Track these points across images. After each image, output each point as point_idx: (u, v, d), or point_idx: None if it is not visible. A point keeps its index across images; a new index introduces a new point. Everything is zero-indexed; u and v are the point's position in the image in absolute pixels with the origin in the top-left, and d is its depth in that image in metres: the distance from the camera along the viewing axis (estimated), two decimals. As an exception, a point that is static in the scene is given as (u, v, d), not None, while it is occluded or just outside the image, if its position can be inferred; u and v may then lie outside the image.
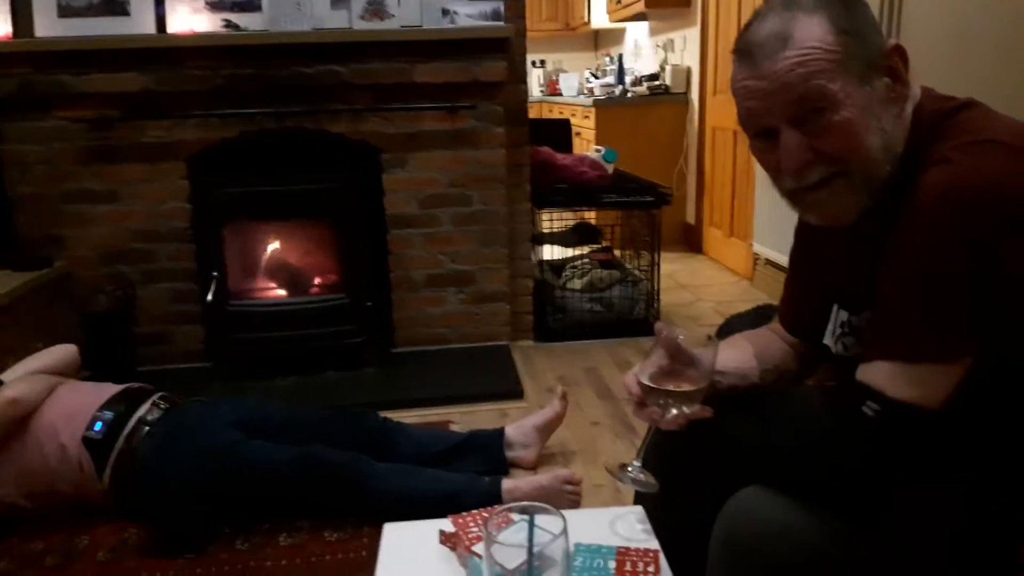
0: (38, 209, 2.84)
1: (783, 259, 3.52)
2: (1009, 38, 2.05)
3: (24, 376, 1.98)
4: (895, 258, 0.93)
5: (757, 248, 3.79)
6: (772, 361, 1.25)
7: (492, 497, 1.84)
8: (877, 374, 0.93)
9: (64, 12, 2.80)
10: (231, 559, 1.78)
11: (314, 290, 3.02)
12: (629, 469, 1.09)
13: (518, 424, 2.21)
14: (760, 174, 3.66)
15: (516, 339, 3.21)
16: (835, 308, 1.14)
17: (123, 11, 2.82)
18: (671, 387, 1.04)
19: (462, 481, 1.92)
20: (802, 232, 1.24)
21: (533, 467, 2.17)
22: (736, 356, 1.22)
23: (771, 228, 3.54)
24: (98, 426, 1.91)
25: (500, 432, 2.18)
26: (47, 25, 2.80)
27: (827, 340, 1.16)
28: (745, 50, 0.98)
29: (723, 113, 4.26)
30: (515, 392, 2.69)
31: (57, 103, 2.77)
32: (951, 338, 0.90)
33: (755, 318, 1.57)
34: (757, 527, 0.99)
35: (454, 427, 2.41)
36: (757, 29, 0.98)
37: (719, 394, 1.12)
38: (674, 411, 1.03)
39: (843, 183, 0.97)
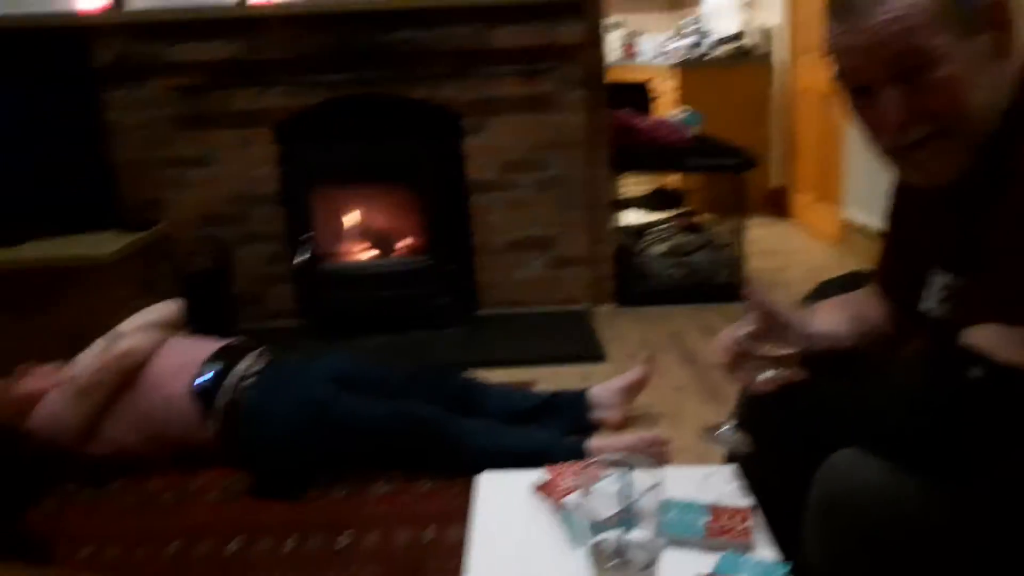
0: (139, 174, 2.99)
1: (875, 224, 3.41)
2: None
3: (137, 329, 2.10)
4: (1003, 222, 0.90)
5: (848, 213, 3.67)
6: (868, 324, 1.22)
7: (577, 456, 1.86)
8: (987, 337, 0.90)
9: (159, -17, 2.90)
10: (329, 505, 1.87)
11: (399, 252, 3.09)
12: (722, 431, 1.09)
13: (602, 386, 2.22)
14: (851, 136, 3.53)
15: (597, 304, 3.21)
16: (934, 271, 1.11)
17: (213, -19, 2.90)
18: (765, 350, 1.03)
19: (547, 439, 1.95)
20: (899, 192, 1.20)
21: (617, 429, 2.18)
22: (831, 319, 1.20)
23: (862, 192, 3.43)
24: (204, 378, 2.01)
25: (584, 393, 2.20)
26: (142, -4, 2.91)
27: (927, 304, 1.13)
28: (841, 5, 0.95)
29: (810, 74, 4.11)
30: (597, 355, 2.70)
31: (152, 72, 2.89)
32: None
33: (846, 284, 1.53)
34: (854, 489, 0.98)
35: (538, 388, 2.44)
36: None
37: (813, 357, 1.11)
38: (768, 374, 1.03)
39: (944, 142, 0.94)
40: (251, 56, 2.85)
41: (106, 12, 2.86)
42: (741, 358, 1.05)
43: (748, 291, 1.07)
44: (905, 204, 1.20)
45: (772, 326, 1.06)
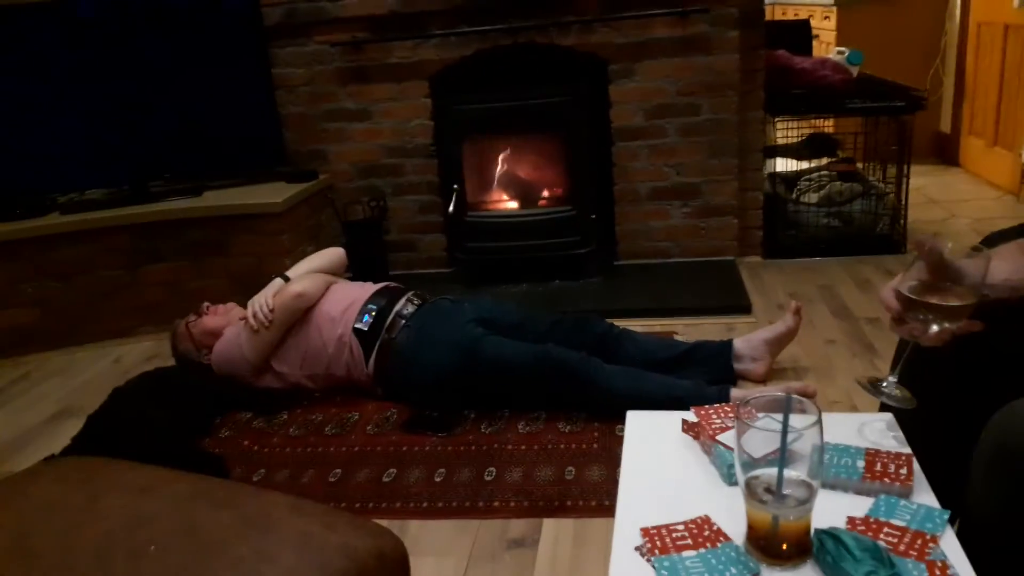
0: (303, 127, 3.17)
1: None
2: None
3: (305, 274, 2.27)
4: None
5: (1027, 158, 3.36)
6: None
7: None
8: None
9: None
10: (476, 440, 1.97)
11: (543, 202, 3.13)
12: (884, 384, 1.06)
13: (747, 337, 2.19)
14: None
15: (744, 255, 3.14)
16: None
17: (371, -63, 3.00)
18: (935, 301, 0.98)
19: (690, 387, 1.96)
20: None
21: (762, 381, 2.15)
22: (1006, 267, 1.13)
23: (1047, 135, 3.12)
24: (365, 318, 2.16)
25: (728, 344, 2.18)
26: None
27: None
28: None
29: (990, 5, 3.74)
30: (742, 307, 2.65)
31: (316, 28, 3.04)
32: None
33: (1020, 235, 1.43)
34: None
35: (679, 338, 2.43)
36: None
37: (991, 305, 1.05)
38: (937, 327, 0.97)
39: None
40: (407, 9, 2.93)
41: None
42: (910, 309, 1.00)
43: (916, 239, 1.02)
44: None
45: (943, 277, 1.01)
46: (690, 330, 2.54)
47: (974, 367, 1.04)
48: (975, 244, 1.12)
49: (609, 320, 2.31)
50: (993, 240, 1.57)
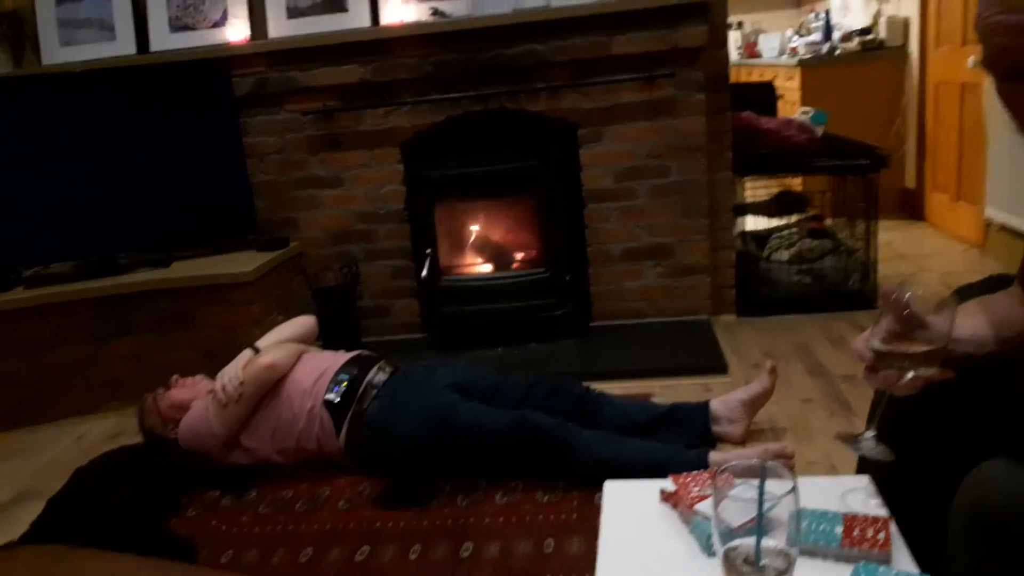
0: (275, 195, 3.17)
1: (1021, 223, 3.17)
2: None
3: (276, 344, 2.23)
4: None
5: (990, 212, 3.43)
6: (1012, 328, 1.14)
7: (700, 469, 1.82)
8: None
9: (292, 13, 3.09)
10: (452, 514, 1.91)
11: (517, 265, 3.13)
12: (862, 439, 1.05)
13: (724, 398, 2.17)
14: (994, 131, 3.30)
15: (717, 313, 3.14)
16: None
17: (341, 7, 3.06)
18: (905, 349, 0.98)
19: (669, 452, 1.92)
20: None
21: (740, 443, 2.12)
22: (971, 323, 1.13)
23: (1007, 189, 3.19)
24: (336, 389, 2.12)
25: (705, 406, 2.16)
26: (278, 26, 3.10)
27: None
28: None
29: (948, 66, 3.87)
30: (718, 366, 2.64)
31: (288, 97, 3.06)
32: None
33: (987, 290, 1.44)
34: (1005, 500, 0.92)
35: (655, 400, 2.41)
36: None
37: (954, 362, 1.05)
38: (910, 374, 0.98)
39: None
40: (379, 77, 2.97)
41: (248, 42, 3.07)
42: (882, 358, 1.00)
43: (886, 291, 1.02)
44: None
45: (911, 326, 1.01)
46: (667, 391, 2.51)
47: (946, 423, 1.03)
48: (943, 296, 1.12)
49: (586, 383, 2.29)
50: (961, 294, 1.58)
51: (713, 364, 2.66)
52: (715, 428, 2.14)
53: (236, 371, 2.15)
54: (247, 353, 2.21)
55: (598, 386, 2.33)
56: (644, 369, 2.67)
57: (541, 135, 3.02)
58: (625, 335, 3.01)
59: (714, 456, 1.91)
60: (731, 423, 2.14)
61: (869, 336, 1.03)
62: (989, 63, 0.93)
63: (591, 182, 3.04)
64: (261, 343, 2.25)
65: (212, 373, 2.25)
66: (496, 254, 3.14)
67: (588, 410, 2.15)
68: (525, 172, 2.96)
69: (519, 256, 3.15)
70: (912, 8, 4.29)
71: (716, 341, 2.86)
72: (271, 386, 2.15)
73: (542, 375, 2.32)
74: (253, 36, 3.10)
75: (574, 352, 2.89)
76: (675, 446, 1.97)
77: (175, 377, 2.35)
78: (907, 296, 1.00)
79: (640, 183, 3.02)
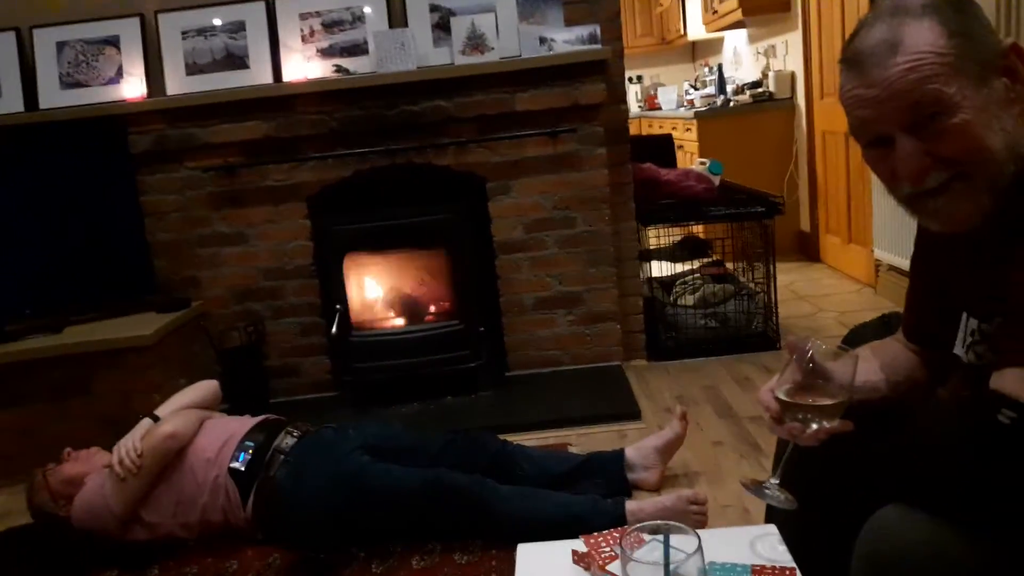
0: (175, 253, 3.06)
1: (907, 264, 3.36)
2: None
3: (177, 411, 2.13)
4: None
5: (878, 254, 3.63)
6: (901, 373, 1.21)
7: (617, 519, 1.83)
8: (1011, 381, 0.89)
9: (191, 70, 3.03)
10: (367, 582, 1.85)
11: (429, 318, 3.11)
12: (766, 486, 1.07)
13: (638, 445, 2.20)
14: (876, 179, 3.51)
15: (629, 359, 3.19)
16: (964, 315, 1.09)
17: (243, 64, 3.02)
18: (809, 402, 1.02)
19: (586, 503, 1.92)
20: (923, 238, 1.20)
21: (656, 489, 2.14)
22: (864, 369, 1.19)
23: (892, 232, 3.39)
24: (241, 457, 2.03)
25: (620, 453, 2.17)
26: (177, 83, 3.03)
27: (957, 349, 1.11)
28: (854, 59, 0.97)
29: (832, 116, 4.12)
30: (632, 413, 2.67)
31: (188, 154, 2.99)
32: None
33: (881, 327, 1.52)
34: (900, 546, 0.95)
35: (572, 449, 2.42)
36: (865, 37, 0.96)
37: (850, 410, 1.09)
38: (814, 426, 1.01)
39: (963, 187, 0.94)
40: (283, 133, 2.93)
41: (145, 99, 2.99)
42: (786, 410, 1.04)
43: (788, 341, 1.06)
44: (929, 249, 1.20)
45: (814, 376, 1.05)
46: (583, 440, 2.53)
47: (847, 470, 1.07)
48: (841, 345, 1.17)
49: (503, 435, 2.27)
50: (858, 332, 1.66)
51: (627, 411, 2.69)
52: (631, 476, 2.16)
53: (134, 442, 2.04)
54: (146, 422, 2.10)
55: (515, 438, 2.32)
56: (560, 419, 2.68)
57: (450, 188, 3.04)
58: (541, 384, 3.02)
59: (630, 505, 1.91)
60: (646, 470, 2.16)
61: (774, 386, 1.07)
62: (853, 132, 1.00)
63: (501, 233, 3.07)
64: (161, 411, 2.15)
65: (108, 445, 2.13)
66: (408, 307, 3.12)
67: (505, 464, 2.13)
68: (435, 225, 2.97)
69: (432, 309, 3.13)
70: (797, 63, 4.56)
71: (629, 387, 2.90)
72: (172, 456, 2.05)
73: (458, 430, 2.29)
74: (150, 93, 3.03)
75: (491, 404, 2.88)
76: (592, 497, 1.97)
77: (68, 450, 2.21)
78: (810, 348, 1.05)
79: (549, 234, 3.07)
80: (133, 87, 3.02)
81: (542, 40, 2.91)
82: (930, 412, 1.14)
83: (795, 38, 4.54)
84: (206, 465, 2.04)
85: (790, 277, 4.21)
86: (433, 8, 3.00)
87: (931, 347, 1.20)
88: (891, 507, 0.97)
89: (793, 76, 4.66)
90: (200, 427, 2.12)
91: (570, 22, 2.97)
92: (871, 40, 0.95)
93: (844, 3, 3.83)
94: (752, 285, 3.35)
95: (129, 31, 3.03)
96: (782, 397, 1.03)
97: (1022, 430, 0.87)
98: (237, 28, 3.01)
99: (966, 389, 1.17)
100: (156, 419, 2.10)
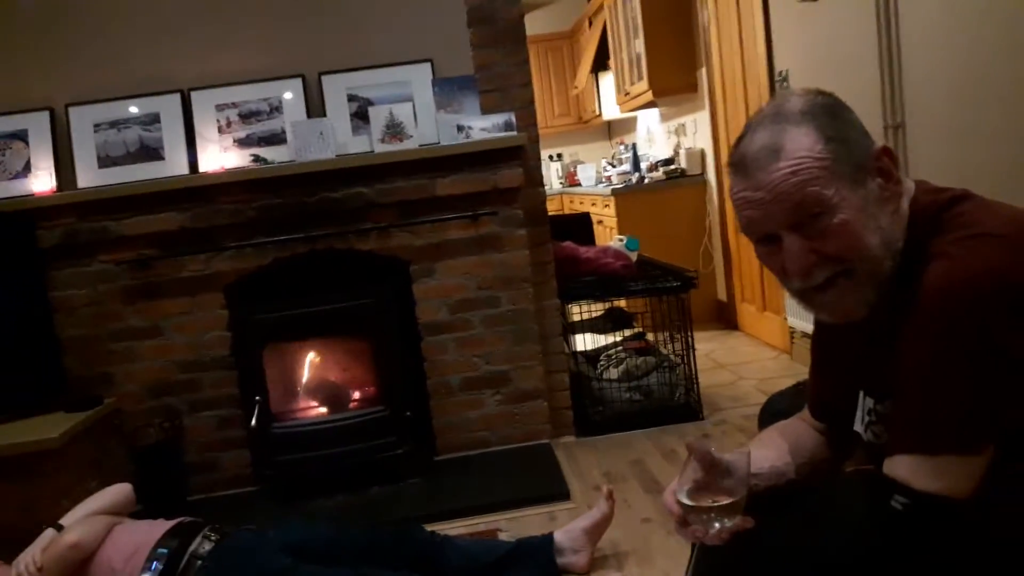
0: (86, 350, 2.95)
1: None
2: (1016, 119, 2.09)
3: (82, 519, 2.02)
4: (905, 353, 0.95)
5: (791, 321, 3.77)
6: (806, 453, 1.25)
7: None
8: (901, 467, 0.94)
9: (104, 163, 2.99)
10: None
11: (354, 405, 3.06)
12: None
13: (567, 528, 2.19)
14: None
15: (558, 436, 3.20)
16: (861, 395, 1.15)
17: (157, 156, 3.00)
18: (710, 502, 1.04)
19: (515, 593, 1.89)
20: (821, 322, 1.26)
21: (586, 572, 2.13)
22: (770, 455, 1.23)
23: (801, 301, 3.54)
24: (154, 565, 1.93)
25: (549, 538, 2.16)
26: (88, 176, 2.98)
27: (857, 426, 1.16)
28: (740, 163, 1.04)
29: (741, 190, 4.31)
30: (561, 493, 2.66)
31: (100, 248, 2.91)
32: (969, 427, 0.91)
33: (795, 395, 1.57)
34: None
35: (502, 535, 2.39)
36: (749, 142, 1.03)
37: (758, 497, 1.12)
38: (717, 526, 1.03)
39: (848, 282, 1.01)
40: (199, 224, 2.90)
41: (55, 193, 2.92)
42: (689, 512, 1.05)
43: (688, 442, 1.09)
44: (827, 333, 1.26)
45: (714, 473, 1.07)
46: (513, 524, 2.50)
47: (754, 567, 1.08)
48: (757, 413, 1.20)
49: (431, 524, 2.23)
50: (773, 401, 1.71)
51: (556, 491, 2.68)
52: (560, 560, 2.14)
53: (34, 555, 1.92)
54: (49, 533, 1.98)
55: (444, 526, 2.29)
56: (489, 503, 2.64)
57: (373, 272, 3.04)
58: (470, 468, 2.99)
59: (560, 592, 1.90)
60: (575, 553, 2.15)
61: (676, 488, 1.08)
62: (743, 231, 1.06)
63: (426, 315, 3.07)
64: (67, 519, 2.04)
65: (9, 559, 2.00)
66: (331, 396, 3.06)
67: (433, 557, 2.09)
68: (358, 310, 2.95)
69: (356, 396, 3.09)
70: (706, 141, 4.79)
71: (558, 466, 2.89)
72: (76, 568, 1.93)
73: (384, 524, 2.24)
74: (60, 187, 2.97)
75: (418, 492, 2.83)
76: (521, 586, 1.95)
77: (-37, 568, 2.06)
78: (706, 448, 1.07)
79: (474, 314, 3.09)
80: (42, 181, 2.95)
81: (460, 128, 2.99)
82: (833, 496, 1.17)
83: (703, 117, 4.78)
84: (115, 574, 1.93)
85: (710, 345, 4.32)
86: (351, 98, 3.05)
87: (833, 424, 1.25)
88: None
89: (703, 153, 4.88)
90: (108, 534, 2.01)
91: (486, 110, 3.06)
92: (755, 145, 1.02)
93: (747, 84, 4.07)
94: (673, 357, 3.42)
95: (38, 125, 2.98)
96: (684, 500, 1.05)
97: (914, 516, 0.91)
98: (152, 120, 2.99)
99: (868, 467, 1.22)
100: (60, 528, 1.99)
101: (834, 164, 0.99)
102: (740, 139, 1.07)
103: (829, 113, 1.02)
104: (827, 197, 0.98)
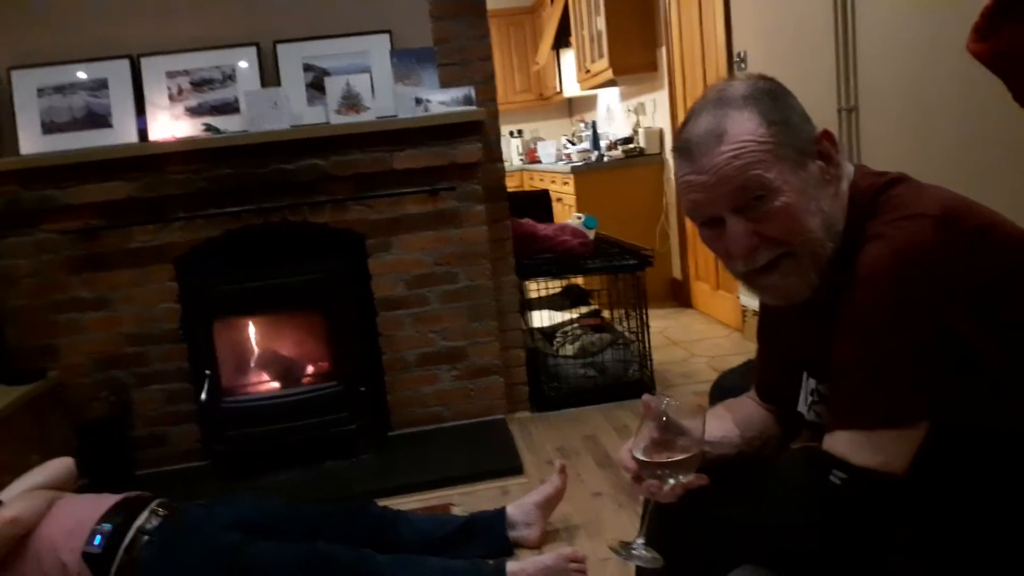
0: (29, 321, 2.87)
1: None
2: (964, 106, 2.14)
3: (22, 494, 1.97)
4: (842, 331, 0.97)
5: (744, 300, 3.83)
6: (755, 428, 1.27)
7: (499, 582, 1.83)
8: (839, 443, 0.96)
9: (48, 128, 2.89)
10: (237, 668, 1.75)
11: (307, 380, 3.03)
12: (633, 547, 1.10)
13: (519, 503, 2.20)
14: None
15: (513, 411, 3.21)
16: (804, 376, 1.17)
17: (105, 123, 2.91)
18: (664, 458, 1.05)
19: (467, 567, 1.91)
20: (766, 306, 1.28)
21: (538, 546, 2.15)
22: (720, 426, 1.25)
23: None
24: (97, 540, 1.89)
25: (501, 512, 2.17)
26: (32, 142, 2.88)
27: (801, 407, 1.19)
28: (684, 147, 1.04)
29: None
30: (515, 468, 2.68)
31: (44, 216, 2.82)
32: (904, 403, 0.93)
33: (746, 373, 1.60)
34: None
35: (455, 509, 2.40)
36: (693, 127, 1.04)
37: (709, 465, 1.14)
38: (671, 482, 1.04)
39: (791, 264, 1.02)
40: (148, 194, 2.82)
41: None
42: (644, 468, 1.07)
43: (643, 400, 1.10)
44: (771, 314, 1.28)
45: (669, 432, 1.08)
46: (467, 499, 2.51)
47: (705, 531, 1.10)
48: (695, 403, 1.23)
49: (385, 499, 2.23)
50: (725, 377, 1.74)
51: (509, 466, 2.70)
52: (512, 534, 2.16)
53: (-26, 531, 1.87)
54: (-12, 509, 1.93)
55: (397, 501, 2.29)
56: (442, 478, 2.65)
57: (327, 246, 2.99)
58: (424, 443, 2.99)
59: (512, 566, 1.91)
60: (527, 527, 2.17)
61: (632, 446, 1.10)
62: (688, 214, 1.07)
63: (382, 290, 3.05)
64: (5, 495, 1.98)
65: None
66: (283, 370, 3.03)
67: (386, 533, 2.09)
68: (311, 284, 2.91)
69: (309, 370, 3.06)
70: (664, 120, 4.81)
71: (512, 441, 2.91)
72: (16, 542, 1.88)
73: (336, 500, 2.23)
74: (2, 153, 2.86)
75: (371, 467, 2.82)
76: (473, 560, 1.96)
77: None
78: (664, 405, 1.09)
79: (431, 290, 3.07)
80: (-18, 146, 2.85)
81: (418, 101, 2.95)
82: (780, 469, 1.20)
83: (662, 96, 4.80)
84: (55, 549, 1.88)
85: (664, 323, 4.38)
86: (307, 68, 3.00)
87: (779, 404, 1.28)
88: (741, 568, 1.01)
89: (661, 132, 4.90)
90: (49, 509, 1.97)
91: (445, 83, 3.03)
92: (699, 130, 1.03)
93: (705, 65, 4.09)
94: (628, 334, 3.45)
95: (-23, 88, 2.86)
96: (639, 456, 1.06)
97: (852, 490, 0.93)
98: (99, 86, 2.90)
99: (811, 445, 1.25)
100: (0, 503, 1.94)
101: (776, 148, 1.00)
102: (684, 124, 1.07)
103: (771, 97, 1.03)
104: (769, 180, 0.99)
